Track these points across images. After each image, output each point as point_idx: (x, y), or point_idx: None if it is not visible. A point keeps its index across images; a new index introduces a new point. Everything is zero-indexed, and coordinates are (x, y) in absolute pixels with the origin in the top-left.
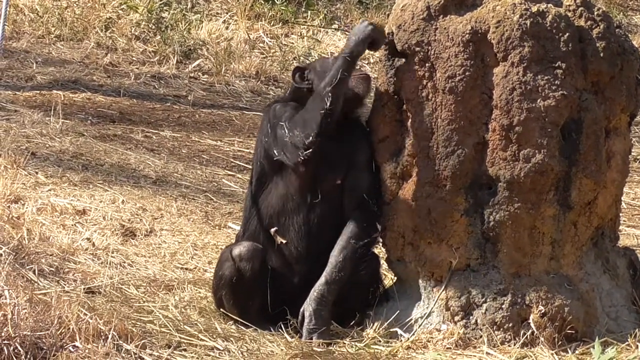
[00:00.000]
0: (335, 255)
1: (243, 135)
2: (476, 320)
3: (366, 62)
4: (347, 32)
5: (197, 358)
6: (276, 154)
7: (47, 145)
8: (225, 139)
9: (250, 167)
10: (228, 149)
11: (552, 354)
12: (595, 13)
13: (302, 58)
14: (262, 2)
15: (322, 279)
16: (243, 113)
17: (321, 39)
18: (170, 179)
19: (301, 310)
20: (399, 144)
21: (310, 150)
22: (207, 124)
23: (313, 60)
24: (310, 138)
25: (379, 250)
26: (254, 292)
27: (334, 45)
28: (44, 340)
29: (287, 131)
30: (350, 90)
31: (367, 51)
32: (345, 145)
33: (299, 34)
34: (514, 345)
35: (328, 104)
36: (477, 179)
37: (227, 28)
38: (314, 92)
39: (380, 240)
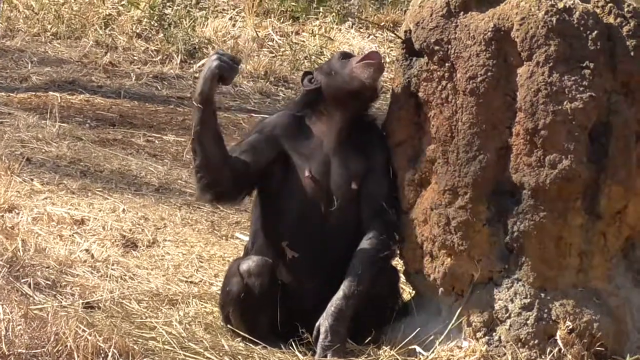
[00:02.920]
0: (353, 269)
1: None
2: (499, 337)
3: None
4: (361, 30)
5: None
6: None
7: (43, 151)
8: (232, 143)
9: None
10: None
11: None
12: (626, 9)
13: (313, 57)
14: None
15: (339, 293)
16: (251, 116)
17: (334, 37)
18: (174, 186)
19: (316, 325)
20: (417, 148)
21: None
22: None
23: (325, 60)
24: (198, 193)
25: (397, 262)
26: (263, 308)
27: (348, 43)
28: (40, 358)
29: None
30: (353, 80)
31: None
32: (360, 149)
33: (311, 31)
34: None
35: (197, 159)
36: (500, 186)
37: (234, 25)
38: (323, 91)
39: (398, 251)
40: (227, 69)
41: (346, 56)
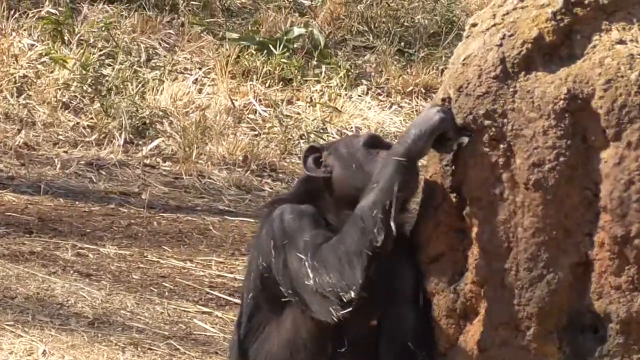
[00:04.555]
0: None
1: (224, 252)
2: None
3: None
4: (380, 98)
5: None
6: (289, 295)
7: None
8: (198, 258)
9: (238, 300)
10: (202, 274)
11: None
12: None
13: (312, 136)
14: (253, 52)
15: None
16: (224, 219)
17: (342, 107)
18: (115, 318)
19: None
20: (460, 265)
21: (351, 309)
22: (170, 236)
23: (331, 140)
24: (352, 293)
25: None
26: None
27: (361, 116)
28: None
29: (310, 271)
30: None
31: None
32: (380, 270)
33: (308, 99)
34: None
35: (379, 238)
36: (576, 317)
37: (200, 91)
38: (333, 184)
39: None
40: (452, 128)
41: (374, 144)
